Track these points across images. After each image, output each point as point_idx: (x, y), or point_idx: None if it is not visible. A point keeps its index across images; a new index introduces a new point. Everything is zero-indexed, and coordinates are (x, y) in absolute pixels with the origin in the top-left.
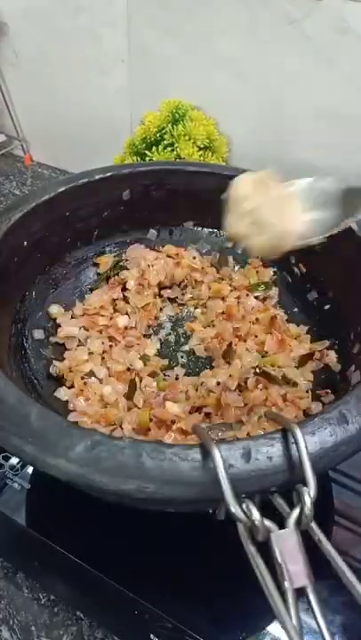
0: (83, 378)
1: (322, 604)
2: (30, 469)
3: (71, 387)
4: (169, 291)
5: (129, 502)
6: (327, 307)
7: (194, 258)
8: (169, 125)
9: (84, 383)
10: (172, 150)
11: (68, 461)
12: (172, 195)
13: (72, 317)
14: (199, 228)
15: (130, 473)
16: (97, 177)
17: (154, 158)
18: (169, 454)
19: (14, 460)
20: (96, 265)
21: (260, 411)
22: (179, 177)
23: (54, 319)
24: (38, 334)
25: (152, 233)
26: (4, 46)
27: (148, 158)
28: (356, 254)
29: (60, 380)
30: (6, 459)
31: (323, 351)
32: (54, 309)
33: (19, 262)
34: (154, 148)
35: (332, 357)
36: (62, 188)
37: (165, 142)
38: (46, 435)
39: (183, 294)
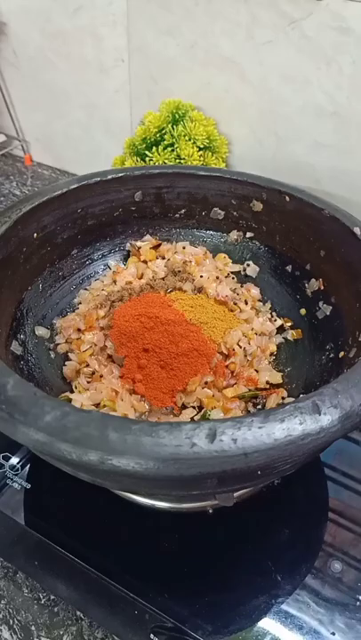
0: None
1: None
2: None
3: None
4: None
5: (96, 476)
6: (328, 312)
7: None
8: (169, 125)
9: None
10: (173, 151)
11: (36, 430)
12: (183, 198)
13: (73, 311)
14: (210, 232)
15: (94, 444)
16: (109, 177)
17: (154, 159)
18: (135, 429)
19: (14, 460)
20: (105, 263)
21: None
22: (189, 181)
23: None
24: (40, 328)
25: (162, 234)
26: (3, 46)
27: (148, 158)
28: (358, 259)
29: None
30: (6, 458)
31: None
32: (58, 301)
33: (27, 253)
34: (154, 148)
35: None
36: (75, 185)
37: (165, 142)
38: (19, 403)
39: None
